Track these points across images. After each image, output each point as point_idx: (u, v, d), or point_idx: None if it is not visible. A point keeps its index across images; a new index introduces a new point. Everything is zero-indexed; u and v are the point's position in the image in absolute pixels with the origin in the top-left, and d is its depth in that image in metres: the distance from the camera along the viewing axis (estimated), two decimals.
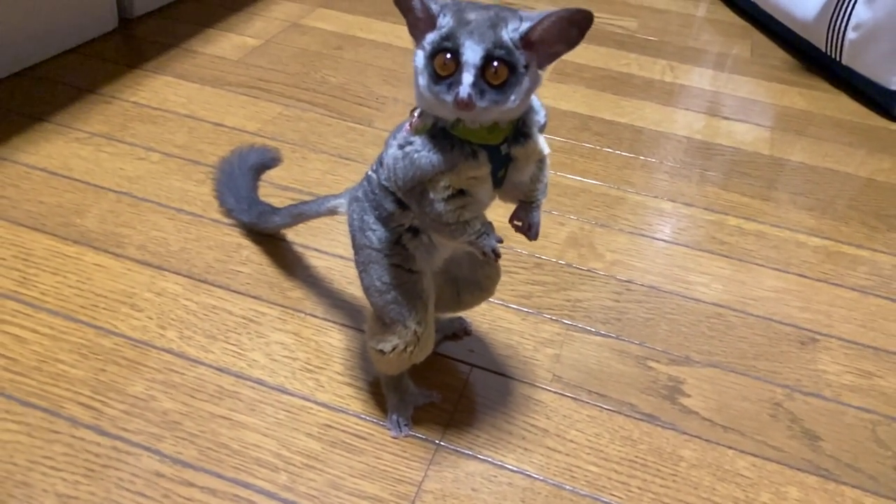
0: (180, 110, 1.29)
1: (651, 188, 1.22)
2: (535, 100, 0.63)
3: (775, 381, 0.87)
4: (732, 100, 1.54)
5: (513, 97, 0.57)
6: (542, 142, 0.64)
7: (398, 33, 1.67)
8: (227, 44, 1.54)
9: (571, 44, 0.58)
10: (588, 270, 1.02)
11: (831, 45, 1.58)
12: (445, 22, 0.57)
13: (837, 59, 1.58)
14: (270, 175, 1.10)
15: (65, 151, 1.15)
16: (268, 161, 1.08)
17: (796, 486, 0.76)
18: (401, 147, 0.62)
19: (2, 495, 0.67)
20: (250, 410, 0.78)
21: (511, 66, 0.56)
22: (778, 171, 1.30)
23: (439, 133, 0.60)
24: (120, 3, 1.56)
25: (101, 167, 1.12)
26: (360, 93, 1.41)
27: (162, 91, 1.35)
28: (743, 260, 1.07)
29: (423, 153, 0.60)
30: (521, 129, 0.62)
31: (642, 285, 1.00)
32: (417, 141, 0.61)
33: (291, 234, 1.02)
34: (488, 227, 0.65)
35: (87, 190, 1.07)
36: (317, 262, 0.99)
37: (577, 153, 1.29)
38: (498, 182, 0.63)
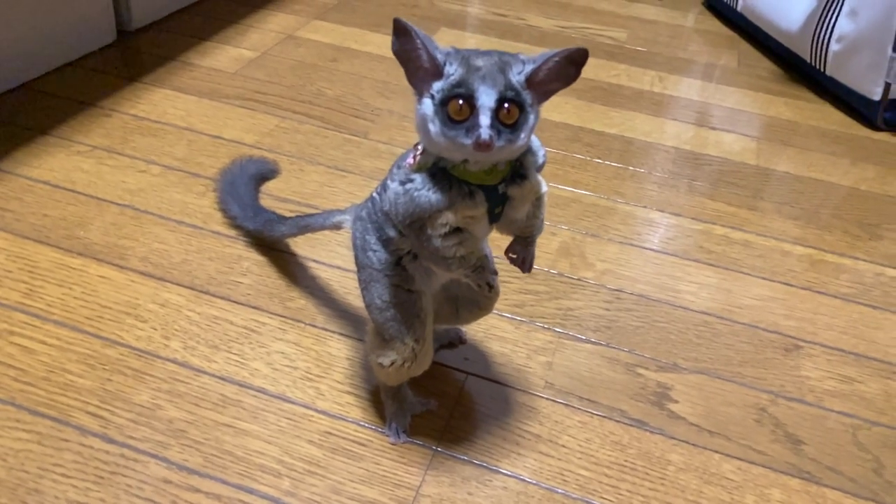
0: (179, 123, 1.32)
1: (640, 198, 1.25)
2: (535, 140, 0.66)
3: (760, 387, 0.91)
4: (720, 110, 1.57)
5: (522, 135, 0.60)
6: (540, 181, 0.67)
7: None
8: (224, 56, 1.57)
9: (569, 81, 0.61)
10: (579, 279, 1.05)
11: (816, 56, 1.62)
12: (454, 70, 0.59)
13: (822, 69, 1.62)
14: (269, 187, 1.13)
15: (67, 164, 1.17)
16: (267, 172, 1.11)
17: (780, 489, 0.79)
18: (402, 183, 0.65)
19: (15, 502, 0.70)
20: (253, 418, 0.80)
21: (521, 106, 0.59)
22: (764, 180, 1.34)
23: (439, 172, 0.63)
24: (118, 16, 1.58)
25: (102, 180, 1.15)
26: (355, 105, 1.44)
27: (161, 104, 1.37)
28: (730, 269, 1.10)
29: (423, 192, 0.63)
30: (518, 171, 0.65)
31: (632, 294, 1.03)
32: (418, 179, 0.64)
33: (291, 246, 1.05)
34: (484, 262, 0.68)
35: (90, 202, 1.10)
36: (316, 272, 1.02)
37: (568, 164, 1.32)
38: (494, 218, 0.66)
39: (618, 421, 0.84)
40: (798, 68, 1.74)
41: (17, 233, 1.03)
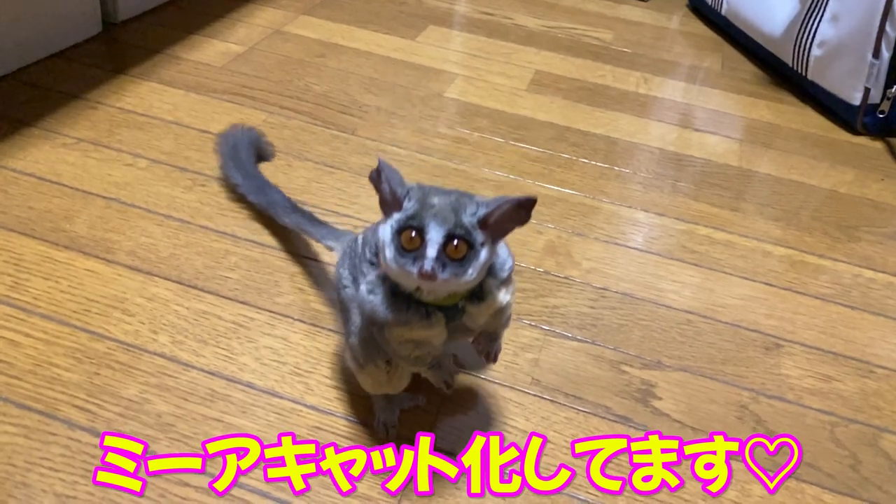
0: (166, 117, 1.31)
1: (625, 198, 1.26)
2: (503, 251, 0.70)
3: (741, 385, 0.92)
4: (703, 112, 1.59)
5: (470, 270, 0.63)
6: (501, 295, 0.70)
7: (380, 42, 1.70)
8: (211, 50, 1.56)
9: (521, 222, 0.65)
10: (565, 278, 1.06)
11: (797, 61, 1.65)
12: (411, 205, 0.63)
13: (803, 73, 1.65)
14: None
15: (52, 157, 1.17)
16: (263, 148, 1.14)
17: (759, 485, 0.80)
18: (369, 291, 0.68)
19: (2, 495, 0.69)
20: (242, 413, 0.81)
21: (469, 244, 0.62)
22: (746, 182, 1.36)
23: (400, 291, 0.67)
24: (104, 7, 1.57)
25: (89, 173, 1.14)
26: (343, 101, 1.44)
27: (147, 97, 1.36)
28: (712, 268, 1.12)
29: (382, 308, 0.67)
30: (476, 293, 0.68)
31: (616, 292, 1.05)
32: (380, 293, 0.67)
33: (278, 241, 1.05)
34: (441, 360, 0.71)
35: (76, 195, 1.09)
36: (304, 267, 1.02)
37: (554, 163, 1.33)
38: (453, 327, 0.69)
39: (603, 417, 0.86)
40: (780, 72, 1.77)
41: (2, 225, 1.02)
